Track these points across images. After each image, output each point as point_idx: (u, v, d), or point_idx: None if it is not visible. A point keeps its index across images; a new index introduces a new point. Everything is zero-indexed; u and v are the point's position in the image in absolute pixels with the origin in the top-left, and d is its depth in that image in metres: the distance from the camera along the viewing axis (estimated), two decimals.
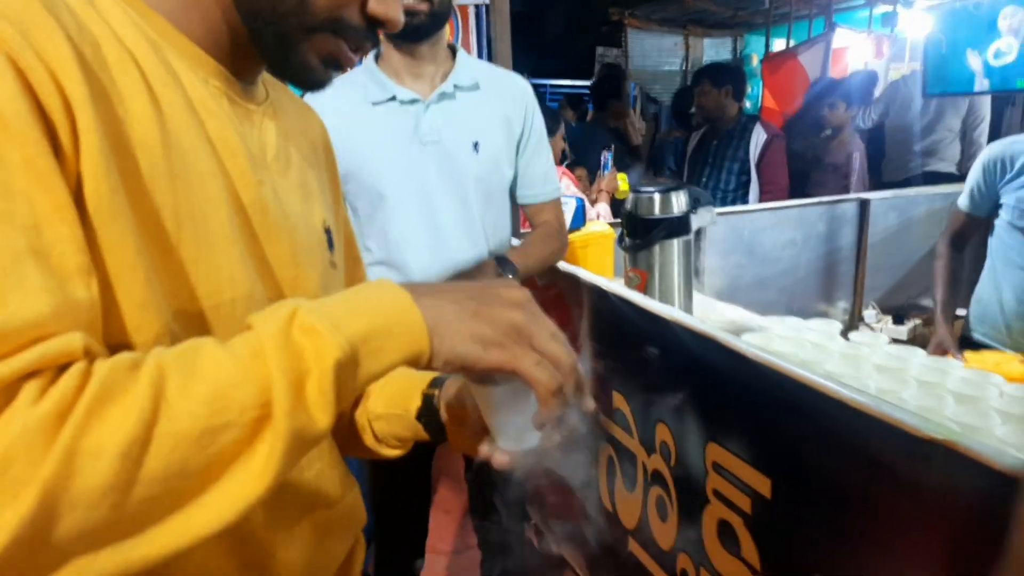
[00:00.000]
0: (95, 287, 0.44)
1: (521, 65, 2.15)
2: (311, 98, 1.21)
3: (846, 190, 3.74)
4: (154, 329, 0.49)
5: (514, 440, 0.62)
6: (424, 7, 1.34)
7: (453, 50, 1.49)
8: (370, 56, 1.46)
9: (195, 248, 0.53)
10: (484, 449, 0.64)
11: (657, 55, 7.71)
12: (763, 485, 1.04)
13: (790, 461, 1.01)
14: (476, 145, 1.43)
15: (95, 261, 0.45)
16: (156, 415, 0.38)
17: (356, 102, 1.41)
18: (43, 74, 0.43)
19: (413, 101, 1.41)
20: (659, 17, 7.26)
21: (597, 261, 1.74)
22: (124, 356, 0.41)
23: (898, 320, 2.30)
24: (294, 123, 0.73)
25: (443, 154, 1.42)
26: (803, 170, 3.97)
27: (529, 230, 1.68)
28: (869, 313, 2.37)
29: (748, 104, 8.49)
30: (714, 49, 8.44)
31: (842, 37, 7.19)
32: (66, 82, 0.44)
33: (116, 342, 0.47)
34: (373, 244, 1.49)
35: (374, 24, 0.61)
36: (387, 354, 0.46)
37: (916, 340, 2.18)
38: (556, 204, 1.62)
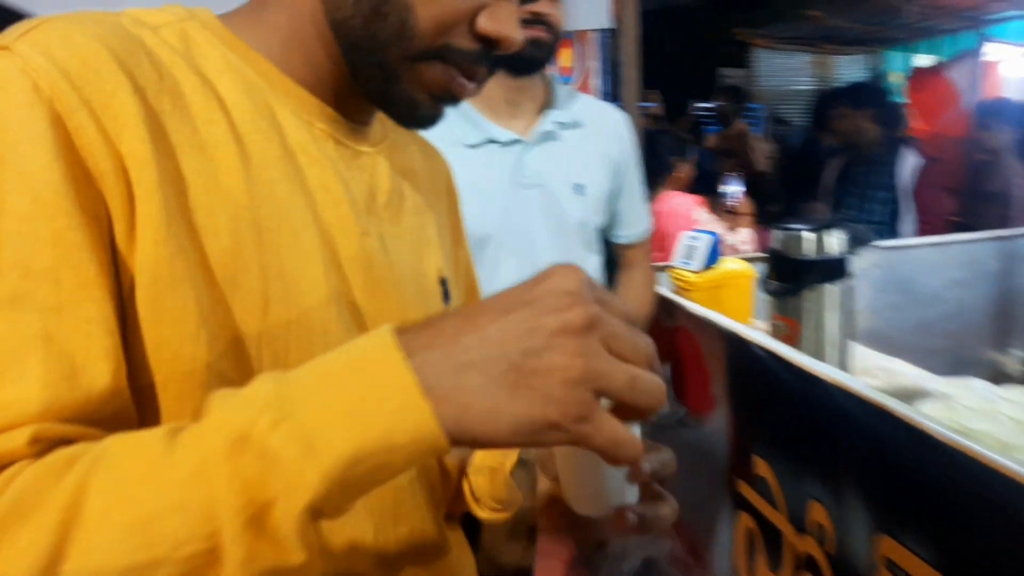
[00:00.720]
0: (122, 372, 0.41)
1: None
2: None
3: (1005, 222, 3.36)
4: None
5: (593, 503, 0.50)
6: (546, 36, 1.23)
7: (544, 78, 1.39)
8: None
9: (284, 309, 0.49)
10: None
11: (786, 74, 7.38)
12: None
13: (987, 570, 0.82)
14: (579, 187, 1.34)
15: (154, 332, 0.42)
16: (65, 546, 0.31)
17: (448, 143, 1.27)
18: (95, 135, 0.41)
19: (513, 142, 1.31)
20: (789, 36, 6.93)
21: (734, 304, 1.55)
22: (64, 453, 0.35)
23: None
24: (416, 164, 0.69)
25: (546, 197, 1.32)
26: (955, 198, 3.61)
27: None
28: None
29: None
30: (849, 67, 7.96)
31: (995, 51, 6.59)
32: (125, 142, 0.42)
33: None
34: None
35: (488, 45, 0.53)
36: (387, 469, 0.34)
37: None
38: (649, 242, 1.55)
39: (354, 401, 0.34)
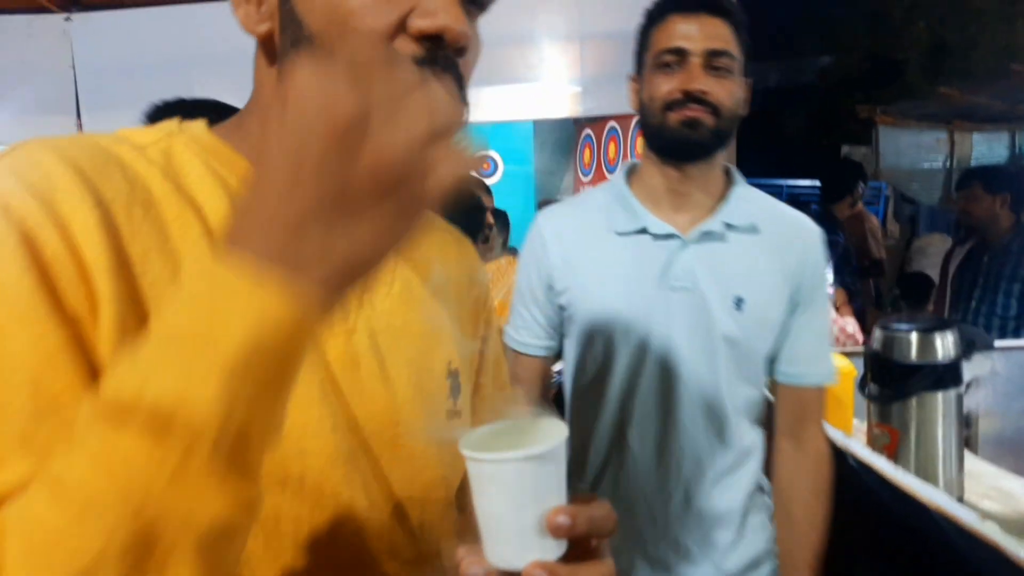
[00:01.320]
0: None
1: (753, 164, 2.03)
2: (548, 223, 1.18)
3: None
4: None
5: (506, 555, 0.45)
6: (708, 119, 1.04)
7: (728, 173, 1.19)
8: (621, 173, 1.20)
9: None
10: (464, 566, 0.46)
11: (914, 152, 7.02)
12: None
13: None
14: (739, 301, 1.10)
15: None
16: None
17: (598, 229, 1.16)
18: (59, 246, 0.43)
19: (668, 236, 1.12)
20: (918, 113, 6.64)
21: (831, 404, 1.46)
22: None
23: None
24: (432, 252, 0.68)
25: (695, 305, 1.11)
26: None
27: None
28: None
29: None
30: (986, 145, 7.49)
31: None
32: (87, 251, 0.44)
33: None
34: (583, 375, 1.22)
35: (434, 44, 0.48)
36: (282, 357, 0.34)
37: None
38: (822, 394, 1.20)
39: (208, 326, 0.34)
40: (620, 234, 1.14)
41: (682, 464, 1.12)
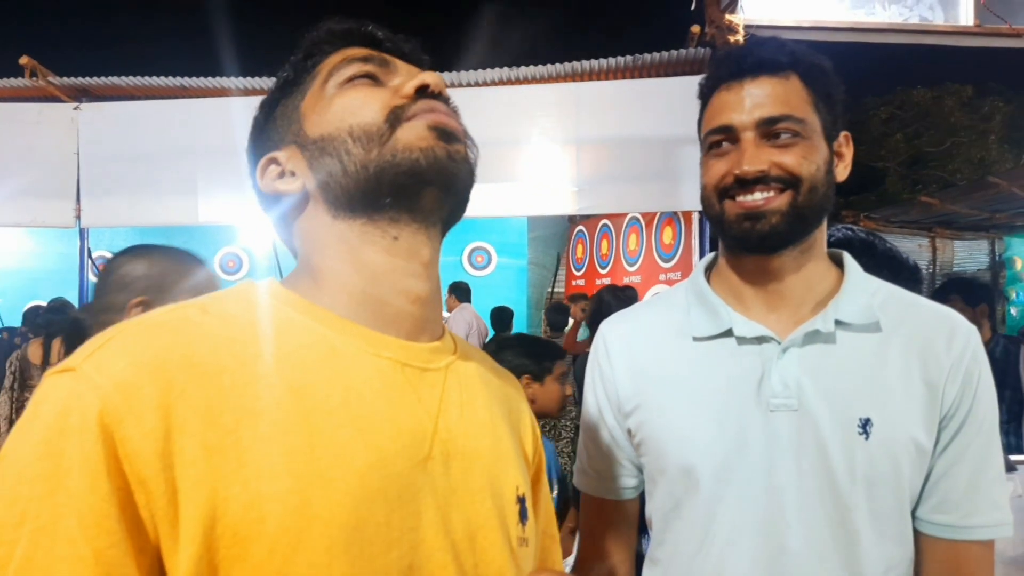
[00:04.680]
0: None
1: None
2: (613, 330, 0.96)
3: None
4: None
5: None
6: (780, 201, 0.81)
7: (839, 260, 0.91)
8: (700, 269, 0.95)
9: (329, 552, 0.48)
10: None
11: None
12: None
13: None
14: (866, 424, 0.81)
15: None
16: None
17: (673, 334, 0.91)
18: (140, 441, 0.45)
19: (761, 339, 0.85)
20: (900, 220, 6.84)
21: None
22: None
23: None
24: (490, 378, 0.69)
25: (806, 430, 0.82)
26: None
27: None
28: None
29: (1015, 312, 7.51)
30: (967, 251, 7.69)
31: None
32: (175, 441, 0.46)
33: None
34: (665, 555, 0.89)
35: (421, 93, 0.60)
36: None
37: None
38: (989, 553, 0.85)
39: None
40: (699, 339, 0.89)
41: None
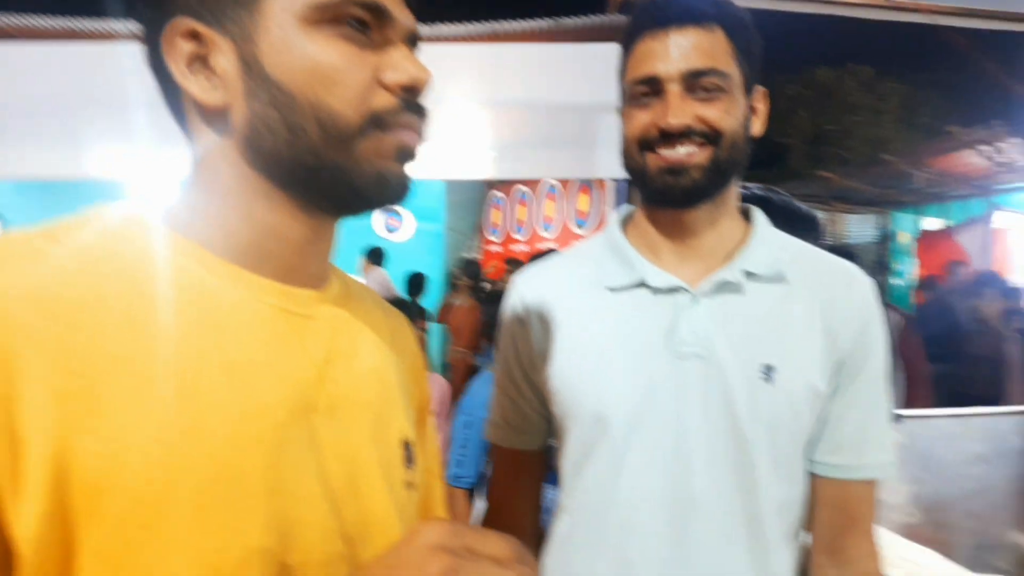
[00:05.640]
0: None
1: None
2: (527, 283, 0.96)
3: (998, 388, 3.45)
4: None
5: None
6: (701, 156, 0.82)
7: (747, 213, 0.94)
8: (615, 221, 0.96)
9: (199, 506, 0.45)
10: None
11: None
12: None
13: None
14: (769, 370, 0.84)
15: None
16: None
17: (587, 285, 0.92)
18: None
19: (673, 290, 0.87)
20: (800, 193, 7.15)
21: None
22: None
23: None
24: (379, 323, 0.66)
25: (713, 377, 0.85)
26: (948, 360, 3.69)
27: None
28: None
29: (898, 282, 8.07)
30: (859, 225, 8.18)
31: (1004, 219, 6.77)
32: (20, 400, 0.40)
33: None
34: (575, 503, 0.91)
35: (408, 93, 0.53)
36: None
37: None
38: (872, 492, 0.91)
39: None
40: (613, 290, 0.90)
41: None
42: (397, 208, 6.59)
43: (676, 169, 0.82)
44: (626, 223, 0.96)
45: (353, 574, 0.44)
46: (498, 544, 0.44)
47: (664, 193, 0.85)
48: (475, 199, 7.62)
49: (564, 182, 5.85)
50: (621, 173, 0.91)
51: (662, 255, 0.90)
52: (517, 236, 6.79)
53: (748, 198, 1.08)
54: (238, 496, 0.46)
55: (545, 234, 6.21)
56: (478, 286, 5.08)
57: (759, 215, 0.93)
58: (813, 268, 0.89)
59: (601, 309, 0.90)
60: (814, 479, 0.89)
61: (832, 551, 0.89)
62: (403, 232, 6.52)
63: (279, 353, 0.52)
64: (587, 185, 5.48)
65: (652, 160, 0.84)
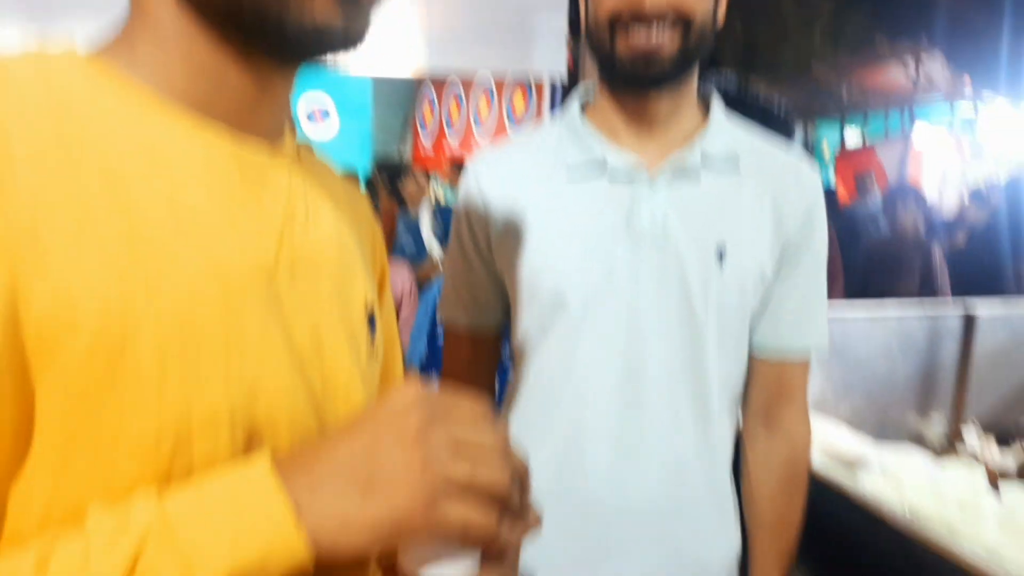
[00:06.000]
0: None
1: None
2: (484, 165, 0.94)
3: (931, 290, 3.65)
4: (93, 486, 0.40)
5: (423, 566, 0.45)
6: (671, 43, 0.82)
7: (707, 102, 0.95)
8: (574, 103, 0.96)
9: (160, 363, 0.42)
10: None
11: None
12: None
13: None
14: (721, 254, 0.87)
15: None
16: None
17: (546, 167, 0.92)
18: None
19: (631, 171, 0.88)
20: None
21: None
22: None
23: (1003, 441, 2.05)
24: (336, 187, 0.63)
25: (668, 259, 0.87)
26: (876, 268, 3.91)
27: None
28: (969, 433, 2.12)
29: None
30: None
31: (921, 135, 7.04)
32: None
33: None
34: (530, 378, 0.94)
35: None
36: None
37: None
38: (806, 369, 0.97)
39: (233, 524, 0.38)
40: (572, 172, 0.90)
41: (650, 462, 0.89)
42: (321, 96, 6.26)
43: (647, 56, 0.81)
44: (585, 106, 0.95)
45: (329, 433, 0.43)
46: (472, 405, 0.44)
47: (633, 78, 0.85)
48: (405, 96, 7.34)
49: (499, 80, 5.69)
50: (561, 73, 0.93)
51: (622, 138, 0.90)
52: (449, 135, 6.62)
53: (725, 94, 1.10)
54: (199, 354, 0.43)
55: (478, 135, 6.08)
56: (395, 189, 4.95)
57: (718, 103, 0.93)
58: (765, 158, 0.92)
59: (560, 191, 0.90)
60: (754, 358, 0.94)
61: (766, 422, 0.96)
62: (328, 129, 6.25)
63: (235, 207, 0.49)
64: (523, 84, 5.35)
65: (622, 44, 0.82)
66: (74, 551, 0.36)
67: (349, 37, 0.49)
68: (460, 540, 0.42)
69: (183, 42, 0.48)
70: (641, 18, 0.80)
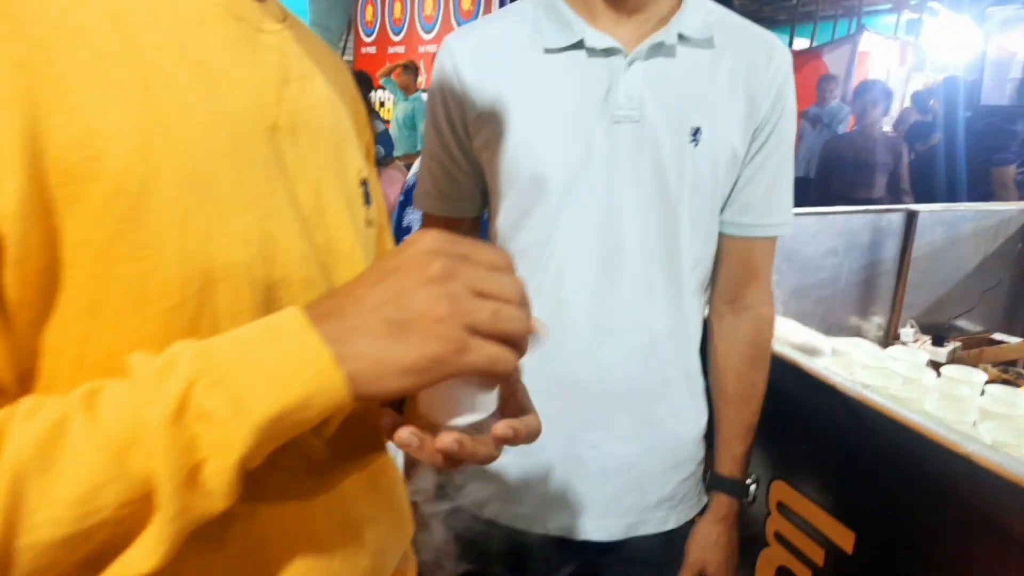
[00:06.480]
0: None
1: None
2: (458, 43, 0.92)
3: (895, 191, 3.81)
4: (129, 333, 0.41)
5: (448, 412, 0.47)
6: None
7: None
8: None
9: (181, 207, 0.43)
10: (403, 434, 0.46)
11: None
12: (844, 538, 0.90)
13: (884, 516, 0.87)
14: (696, 133, 0.88)
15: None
16: (14, 530, 0.34)
17: (522, 46, 0.91)
18: None
19: (608, 52, 0.88)
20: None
21: None
22: None
23: (937, 341, 2.17)
24: (323, 53, 0.63)
25: (644, 139, 0.88)
26: (846, 168, 4.03)
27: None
28: (906, 331, 2.24)
29: None
30: None
31: (867, 41, 7.10)
32: None
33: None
34: (516, 262, 1.01)
35: None
36: (302, 425, 0.40)
37: (955, 363, 2.06)
38: (773, 248, 0.99)
39: (276, 367, 0.39)
40: (549, 51, 0.89)
41: (627, 338, 0.92)
42: None
43: None
44: None
45: (352, 278, 0.43)
46: (492, 252, 0.45)
47: None
48: None
49: None
50: None
51: (599, 17, 0.89)
52: (394, 36, 6.34)
53: None
54: (216, 202, 0.44)
55: (425, 35, 5.84)
56: None
57: None
58: (737, 34, 0.92)
59: (538, 72, 0.89)
60: (723, 237, 0.96)
61: (732, 300, 0.99)
62: None
63: (236, 61, 0.48)
64: None
65: None
66: (121, 390, 0.37)
67: None
68: (486, 380, 0.44)
69: None
70: None
